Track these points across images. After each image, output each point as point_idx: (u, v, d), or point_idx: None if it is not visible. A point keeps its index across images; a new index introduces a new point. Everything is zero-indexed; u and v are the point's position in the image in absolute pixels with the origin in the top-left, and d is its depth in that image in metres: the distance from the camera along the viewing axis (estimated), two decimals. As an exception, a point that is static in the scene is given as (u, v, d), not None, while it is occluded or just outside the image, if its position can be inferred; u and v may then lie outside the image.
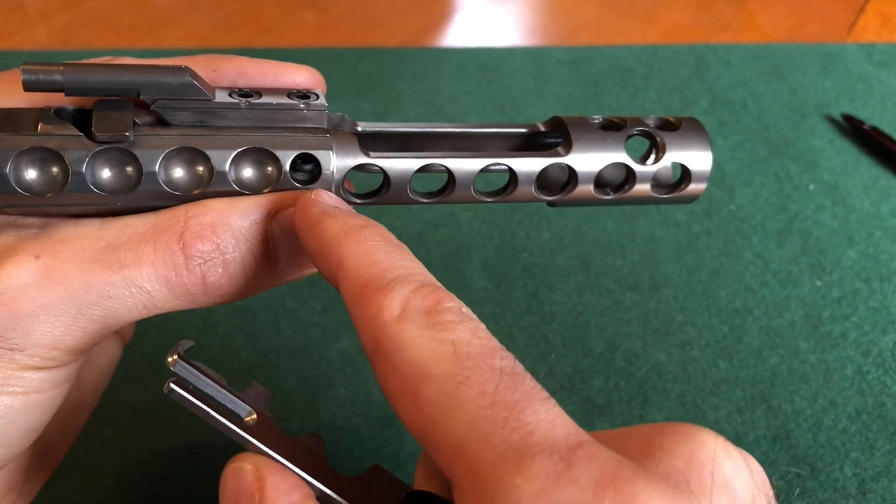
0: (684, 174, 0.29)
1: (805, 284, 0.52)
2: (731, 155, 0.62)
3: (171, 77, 0.24)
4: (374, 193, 0.27)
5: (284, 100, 0.26)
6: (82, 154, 0.23)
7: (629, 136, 0.28)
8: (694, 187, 0.29)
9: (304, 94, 0.27)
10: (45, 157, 0.23)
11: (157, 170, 0.24)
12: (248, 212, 0.24)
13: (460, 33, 0.75)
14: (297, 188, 0.25)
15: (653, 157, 0.29)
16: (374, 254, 0.21)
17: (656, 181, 0.29)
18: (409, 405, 0.18)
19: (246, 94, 0.26)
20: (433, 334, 0.18)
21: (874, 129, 0.62)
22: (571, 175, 0.28)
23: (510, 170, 0.27)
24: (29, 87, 0.22)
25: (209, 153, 0.24)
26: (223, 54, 0.27)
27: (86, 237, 0.23)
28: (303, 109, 0.26)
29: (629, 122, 0.29)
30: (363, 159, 0.26)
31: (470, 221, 0.55)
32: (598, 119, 0.29)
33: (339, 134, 0.26)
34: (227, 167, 0.25)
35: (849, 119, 0.64)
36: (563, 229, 0.55)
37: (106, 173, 0.24)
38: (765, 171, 0.60)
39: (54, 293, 0.22)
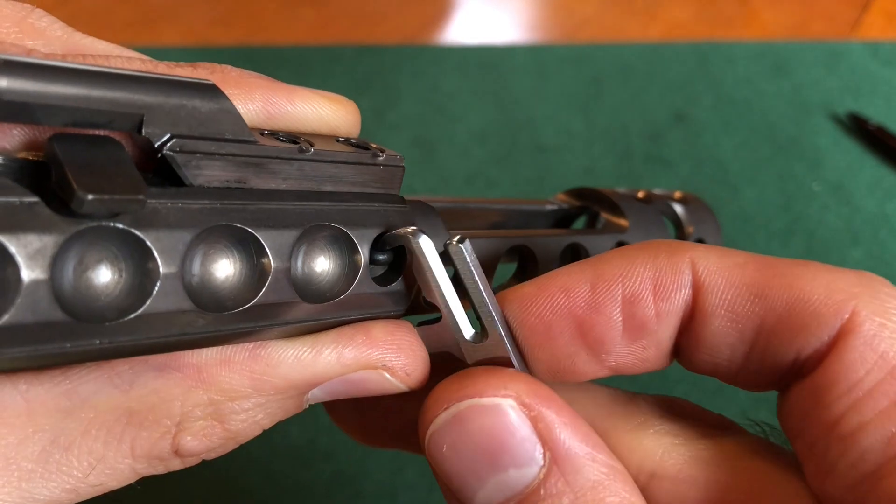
0: None
1: (810, 285, 0.52)
2: (735, 154, 0.61)
3: (199, 98, 0.14)
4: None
5: (350, 150, 0.18)
6: (46, 241, 0.12)
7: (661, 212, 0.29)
8: None
9: (360, 144, 0.18)
10: None
11: (179, 269, 0.14)
12: (282, 390, 0.17)
13: (460, 30, 0.74)
14: (350, 318, 0.17)
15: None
16: None
17: None
18: None
19: (292, 138, 0.17)
20: None
21: (879, 128, 0.61)
22: None
23: (581, 248, 0.25)
24: None
25: (262, 237, 0.15)
26: (229, 66, 0.18)
27: (23, 432, 0.15)
28: (379, 166, 0.18)
29: (652, 197, 0.29)
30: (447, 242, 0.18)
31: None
32: (623, 191, 0.29)
33: (415, 205, 0.19)
34: (288, 261, 0.16)
35: (854, 118, 0.63)
36: (564, 229, 0.54)
37: (95, 278, 0.13)
38: (769, 171, 0.60)
39: None
